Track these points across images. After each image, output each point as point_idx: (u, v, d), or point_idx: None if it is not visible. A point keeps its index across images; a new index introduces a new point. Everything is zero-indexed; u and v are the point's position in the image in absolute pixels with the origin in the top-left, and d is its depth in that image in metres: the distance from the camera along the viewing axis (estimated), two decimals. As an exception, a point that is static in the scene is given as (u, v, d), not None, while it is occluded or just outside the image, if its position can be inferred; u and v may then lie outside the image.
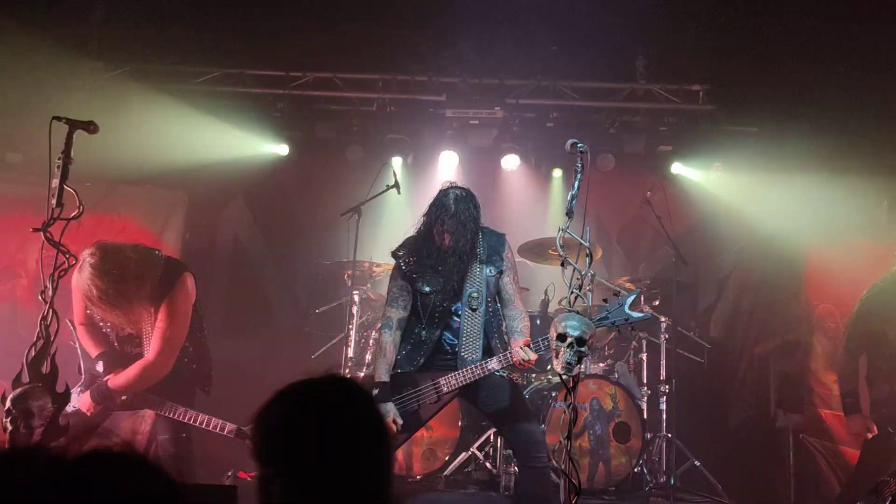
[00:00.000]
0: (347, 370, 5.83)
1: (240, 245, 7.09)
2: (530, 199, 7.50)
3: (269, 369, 6.66)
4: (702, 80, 6.86)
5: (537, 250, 6.02)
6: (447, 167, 7.24)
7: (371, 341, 5.87)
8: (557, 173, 7.43)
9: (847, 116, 5.87)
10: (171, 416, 4.23)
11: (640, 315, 3.57)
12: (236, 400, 5.62)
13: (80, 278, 4.00)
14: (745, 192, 6.70)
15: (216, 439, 4.37)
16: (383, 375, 3.88)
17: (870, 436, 4.72)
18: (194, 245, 6.36)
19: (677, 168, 7.14)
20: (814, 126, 6.09)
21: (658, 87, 6.89)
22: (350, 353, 5.91)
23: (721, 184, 6.95)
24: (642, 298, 5.97)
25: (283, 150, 7.29)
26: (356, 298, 5.99)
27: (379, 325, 4.26)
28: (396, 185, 5.84)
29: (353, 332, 5.94)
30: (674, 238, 6.17)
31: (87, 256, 3.93)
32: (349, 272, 6.17)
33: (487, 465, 5.43)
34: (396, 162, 7.15)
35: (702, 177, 7.10)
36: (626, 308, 3.53)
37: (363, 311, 6.09)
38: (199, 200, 6.59)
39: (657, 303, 6.19)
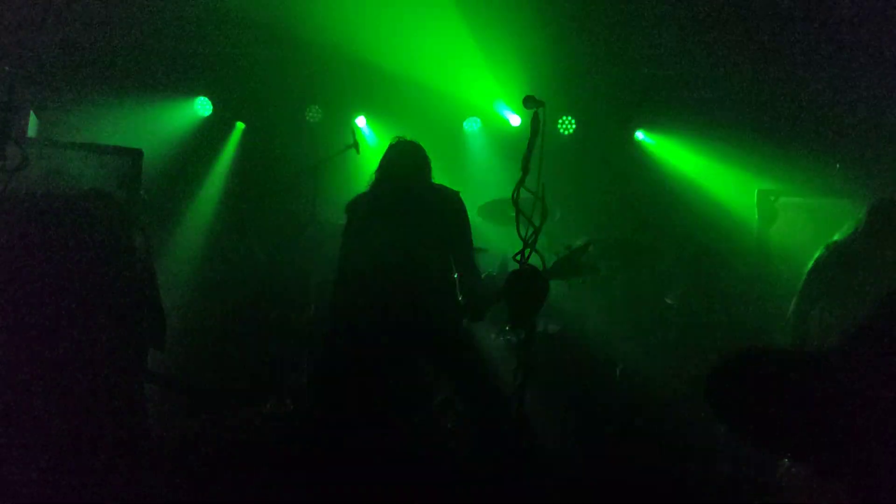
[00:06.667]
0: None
1: (198, 206, 6.98)
2: (494, 160, 7.48)
3: (228, 331, 6.64)
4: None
5: (497, 211, 6.00)
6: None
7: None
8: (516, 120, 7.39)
9: (804, 85, 5.95)
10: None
11: (591, 268, 3.59)
12: (197, 359, 5.62)
13: None
14: (704, 158, 6.75)
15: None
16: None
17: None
18: (151, 205, 6.23)
19: (640, 135, 7.20)
20: (770, 93, 6.15)
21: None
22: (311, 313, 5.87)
23: (681, 149, 6.99)
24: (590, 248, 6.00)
25: (240, 109, 7.19)
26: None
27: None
28: (356, 145, 5.78)
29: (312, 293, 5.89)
30: (633, 201, 6.22)
31: None
32: (309, 233, 6.12)
33: (447, 425, 5.45)
34: (360, 122, 7.15)
35: (663, 142, 7.14)
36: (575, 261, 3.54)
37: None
38: (155, 161, 6.47)
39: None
